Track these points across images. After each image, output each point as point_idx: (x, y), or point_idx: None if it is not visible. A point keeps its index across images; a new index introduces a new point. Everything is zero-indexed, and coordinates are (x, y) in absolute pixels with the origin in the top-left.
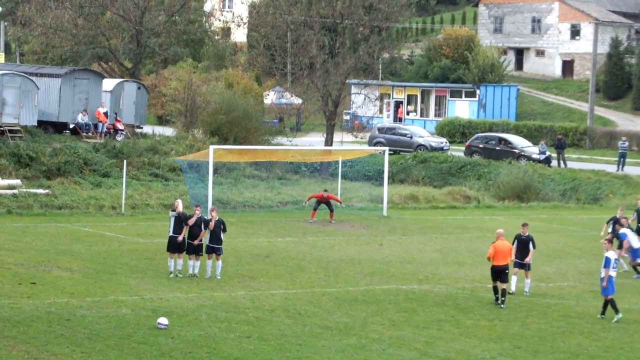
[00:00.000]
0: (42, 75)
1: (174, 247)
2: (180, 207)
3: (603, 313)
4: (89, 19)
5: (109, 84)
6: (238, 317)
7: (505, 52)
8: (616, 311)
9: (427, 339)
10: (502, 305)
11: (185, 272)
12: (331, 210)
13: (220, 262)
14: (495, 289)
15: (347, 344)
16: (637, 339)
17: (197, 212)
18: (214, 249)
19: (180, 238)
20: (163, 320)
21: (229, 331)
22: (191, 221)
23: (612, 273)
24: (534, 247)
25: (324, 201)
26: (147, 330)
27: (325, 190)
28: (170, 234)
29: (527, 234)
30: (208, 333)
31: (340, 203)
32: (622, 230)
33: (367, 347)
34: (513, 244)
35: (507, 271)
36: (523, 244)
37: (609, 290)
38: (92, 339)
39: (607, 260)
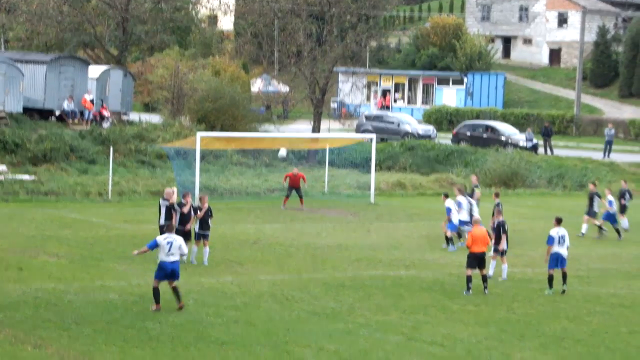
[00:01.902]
0: (27, 62)
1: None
2: (174, 197)
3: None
4: (74, 5)
5: (94, 71)
6: (226, 303)
7: (492, 40)
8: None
9: (413, 324)
10: (485, 291)
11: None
12: (300, 197)
13: (207, 248)
14: (468, 278)
15: (334, 329)
16: (621, 323)
17: (188, 200)
18: (203, 235)
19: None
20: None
21: (216, 316)
22: (185, 209)
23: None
24: (504, 232)
25: (294, 185)
26: (134, 315)
27: (295, 168)
28: (161, 222)
29: (500, 219)
30: (196, 318)
31: (305, 182)
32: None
33: (355, 332)
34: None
35: (485, 258)
36: (498, 230)
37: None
38: (80, 323)
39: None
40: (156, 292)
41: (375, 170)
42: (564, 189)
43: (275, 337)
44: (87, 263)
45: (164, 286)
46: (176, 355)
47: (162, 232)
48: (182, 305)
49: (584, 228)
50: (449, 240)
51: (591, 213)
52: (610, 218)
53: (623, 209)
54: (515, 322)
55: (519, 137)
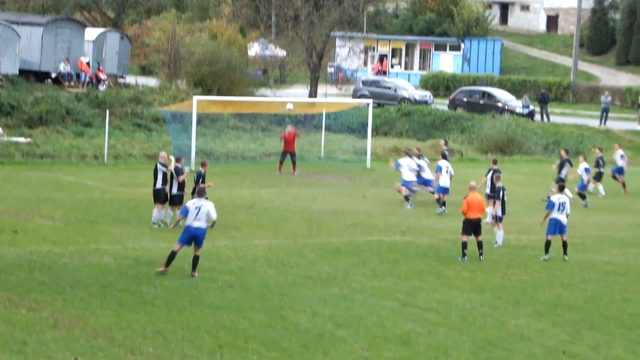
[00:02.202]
0: (24, 23)
1: (160, 198)
2: (172, 165)
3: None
4: None
5: (91, 33)
6: (220, 267)
7: (490, 7)
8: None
9: (408, 290)
10: (481, 258)
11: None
12: (294, 162)
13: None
14: (464, 245)
15: (329, 294)
16: (615, 290)
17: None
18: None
19: (168, 189)
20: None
21: (211, 280)
22: (181, 178)
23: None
24: (498, 198)
25: (288, 150)
26: (129, 278)
27: (289, 125)
28: (157, 187)
29: (499, 185)
30: (190, 282)
31: (298, 137)
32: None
33: (349, 297)
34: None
35: (480, 224)
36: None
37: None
38: (74, 287)
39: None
40: (172, 255)
41: (372, 135)
42: (560, 155)
43: (270, 301)
44: (82, 226)
45: (157, 251)
46: (171, 319)
47: (157, 197)
48: (194, 275)
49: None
50: (439, 201)
51: (558, 180)
52: (582, 186)
53: (599, 177)
54: (510, 288)
55: (516, 104)
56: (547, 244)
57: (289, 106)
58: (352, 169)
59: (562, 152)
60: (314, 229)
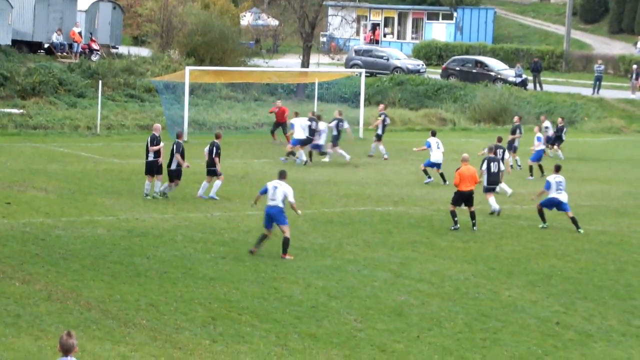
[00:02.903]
0: None
1: (152, 170)
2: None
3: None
4: None
5: (83, 3)
6: (214, 238)
7: None
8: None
9: (401, 260)
10: (474, 228)
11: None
12: (285, 133)
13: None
14: (452, 213)
15: (322, 265)
16: (609, 260)
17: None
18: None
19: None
20: None
21: (204, 252)
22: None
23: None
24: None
25: (280, 120)
26: (122, 250)
27: (279, 101)
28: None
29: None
30: (184, 253)
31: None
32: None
33: (342, 268)
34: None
35: (472, 196)
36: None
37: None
38: (68, 259)
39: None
40: (261, 237)
41: (364, 105)
42: (553, 124)
43: (263, 273)
44: (75, 198)
45: (150, 222)
46: (164, 291)
47: (149, 169)
48: (284, 257)
49: (510, 161)
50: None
51: (512, 147)
52: (537, 156)
53: (558, 141)
54: (504, 259)
55: (509, 73)
56: (540, 212)
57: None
58: (344, 138)
59: (515, 118)
60: (306, 199)
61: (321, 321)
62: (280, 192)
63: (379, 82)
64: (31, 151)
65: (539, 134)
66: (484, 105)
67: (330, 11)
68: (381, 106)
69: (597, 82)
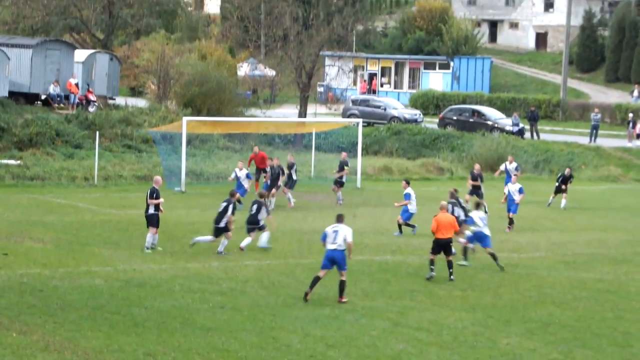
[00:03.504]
0: (13, 45)
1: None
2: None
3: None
4: None
5: (80, 55)
6: (212, 288)
7: (479, 25)
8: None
9: (400, 309)
10: (451, 277)
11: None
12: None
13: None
14: (430, 262)
15: (320, 314)
16: (607, 308)
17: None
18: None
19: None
20: None
21: (202, 302)
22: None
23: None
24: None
25: (260, 166)
26: (120, 300)
27: (256, 147)
28: (151, 211)
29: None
30: (181, 304)
31: (266, 159)
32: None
33: (341, 317)
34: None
35: (451, 244)
36: None
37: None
38: (65, 309)
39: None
40: (315, 280)
41: (362, 154)
42: (550, 173)
43: (261, 322)
44: (73, 248)
45: (148, 272)
46: (162, 341)
47: (150, 221)
48: (341, 300)
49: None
50: (400, 227)
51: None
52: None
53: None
54: (502, 307)
55: (506, 122)
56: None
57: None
58: (342, 188)
59: (476, 166)
60: (304, 249)
61: None
62: (341, 235)
63: (376, 132)
64: (28, 202)
65: (518, 185)
66: (481, 155)
67: (327, 61)
68: (344, 154)
69: (594, 131)
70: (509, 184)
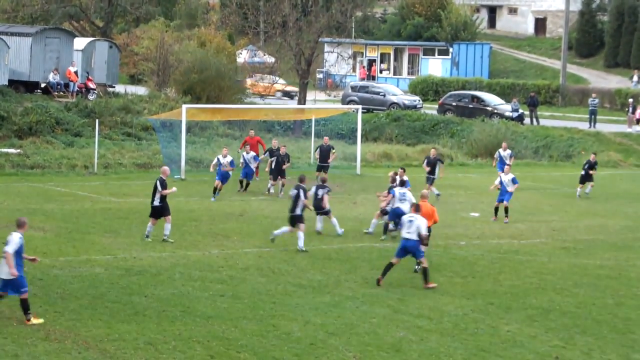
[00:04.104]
0: (12, 34)
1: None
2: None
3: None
4: None
5: (80, 42)
6: (212, 276)
7: (478, 10)
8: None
9: (400, 296)
10: (417, 268)
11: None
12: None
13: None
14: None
15: (320, 302)
16: (608, 294)
17: None
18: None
19: None
20: None
21: (202, 290)
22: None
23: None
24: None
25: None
26: (120, 289)
27: (252, 130)
28: (156, 203)
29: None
30: (182, 292)
31: (263, 147)
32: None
33: (341, 305)
34: None
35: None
36: None
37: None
38: (66, 298)
39: None
40: (388, 266)
41: (362, 141)
42: (550, 159)
43: (262, 310)
44: (73, 237)
45: (148, 260)
46: (162, 329)
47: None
48: (427, 286)
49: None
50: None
51: (430, 180)
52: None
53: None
54: (502, 294)
55: (505, 108)
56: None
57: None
58: (342, 175)
59: (432, 152)
60: (304, 236)
61: (320, 358)
62: (415, 225)
63: (375, 118)
64: (28, 191)
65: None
66: (480, 140)
67: (327, 48)
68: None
69: (592, 116)
70: (502, 174)
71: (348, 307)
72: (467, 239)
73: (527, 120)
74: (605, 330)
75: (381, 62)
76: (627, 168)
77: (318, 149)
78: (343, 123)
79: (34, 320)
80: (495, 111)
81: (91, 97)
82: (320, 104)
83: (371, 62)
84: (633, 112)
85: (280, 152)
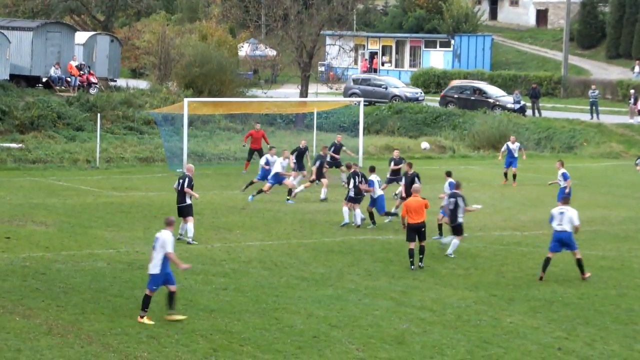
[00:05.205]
0: (13, 28)
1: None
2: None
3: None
4: None
5: (81, 37)
6: (214, 269)
7: (479, 2)
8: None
9: (403, 289)
10: (420, 264)
11: None
12: (248, 160)
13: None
14: (410, 252)
15: (323, 295)
16: (610, 285)
17: None
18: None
19: None
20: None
21: (205, 283)
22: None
23: None
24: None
25: (256, 147)
26: (123, 283)
27: (258, 124)
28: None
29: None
30: (184, 285)
31: (268, 144)
32: None
33: (344, 297)
34: None
35: (423, 229)
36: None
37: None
38: (68, 292)
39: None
40: (546, 262)
41: (364, 133)
42: (552, 150)
43: (264, 303)
44: (75, 231)
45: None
46: (165, 323)
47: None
48: (584, 277)
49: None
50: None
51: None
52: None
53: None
54: (505, 285)
55: (507, 99)
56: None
57: (425, 145)
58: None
59: (395, 152)
60: (306, 229)
61: (323, 351)
62: (567, 216)
63: (377, 111)
64: (30, 185)
65: (563, 170)
66: (482, 132)
67: (328, 40)
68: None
69: (594, 107)
70: (509, 143)
71: (351, 299)
72: (470, 231)
73: (529, 112)
74: (608, 321)
75: (383, 54)
76: (629, 159)
77: (332, 147)
78: (345, 116)
79: (175, 317)
80: (497, 103)
81: (93, 91)
82: (322, 96)
83: (373, 55)
84: (635, 103)
85: (301, 145)
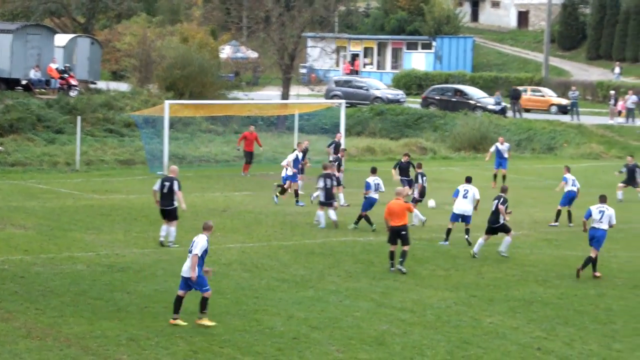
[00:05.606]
0: None
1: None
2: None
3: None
4: None
5: (61, 39)
6: None
7: (460, 4)
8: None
9: (383, 290)
10: (401, 268)
11: None
12: (249, 162)
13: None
14: (391, 254)
15: (304, 296)
16: (590, 286)
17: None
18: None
19: None
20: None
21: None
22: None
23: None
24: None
25: (249, 149)
26: (102, 286)
27: (252, 126)
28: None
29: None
30: (165, 288)
31: (260, 147)
32: None
33: (324, 299)
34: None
35: (404, 232)
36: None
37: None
38: (47, 295)
39: None
40: (588, 259)
41: (345, 135)
42: (532, 151)
43: (245, 305)
44: (55, 234)
45: (131, 257)
46: (145, 325)
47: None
48: (596, 275)
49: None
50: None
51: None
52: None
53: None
54: (485, 286)
55: (488, 101)
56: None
57: (431, 204)
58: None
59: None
60: (287, 231)
61: (303, 352)
62: (607, 215)
63: (359, 113)
64: (9, 188)
65: (566, 174)
66: (464, 134)
67: (310, 42)
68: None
69: (574, 108)
70: (497, 144)
71: (331, 301)
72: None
73: (509, 113)
74: (587, 321)
75: (364, 56)
76: (609, 160)
77: (332, 144)
78: (326, 118)
79: (205, 322)
80: (478, 104)
81: (73, 93)
82: (303, 99)
83: (354, 57)
84: (615, 104)
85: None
